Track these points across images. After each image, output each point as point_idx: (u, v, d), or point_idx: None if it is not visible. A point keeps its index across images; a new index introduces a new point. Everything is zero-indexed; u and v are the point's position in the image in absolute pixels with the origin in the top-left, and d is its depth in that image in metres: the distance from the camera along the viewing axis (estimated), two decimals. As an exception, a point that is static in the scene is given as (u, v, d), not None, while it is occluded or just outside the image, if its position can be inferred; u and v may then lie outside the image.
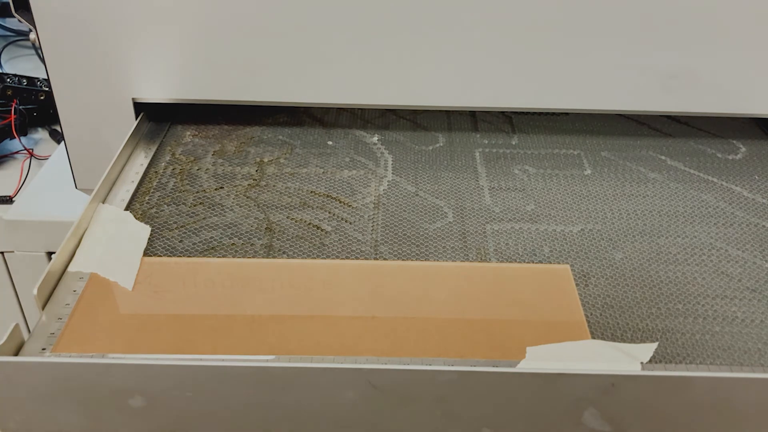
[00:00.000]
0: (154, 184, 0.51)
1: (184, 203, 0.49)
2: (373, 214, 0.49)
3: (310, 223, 0.48)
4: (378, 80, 0.56)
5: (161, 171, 0.53)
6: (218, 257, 0.44)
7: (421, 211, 0.49)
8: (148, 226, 0.46)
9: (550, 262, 0.45)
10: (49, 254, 0.71)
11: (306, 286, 0.42)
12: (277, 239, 0.46)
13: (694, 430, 0.36)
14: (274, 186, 0.51)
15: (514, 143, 0.58)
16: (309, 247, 0.45)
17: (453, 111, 0.63)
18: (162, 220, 0.47)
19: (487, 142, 0.59)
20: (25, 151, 0.81)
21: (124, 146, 0.53)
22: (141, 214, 0.48)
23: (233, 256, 0.44)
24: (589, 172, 0.54)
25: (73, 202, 0.62)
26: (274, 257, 0.44)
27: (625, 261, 0.45)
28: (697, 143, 0.59)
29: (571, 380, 0.33)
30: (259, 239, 0.46)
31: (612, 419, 0.35)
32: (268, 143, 0.57)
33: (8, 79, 0.83)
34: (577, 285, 0.43)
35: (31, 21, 0.53)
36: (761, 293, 0.43)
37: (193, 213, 0.48)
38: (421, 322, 0.39)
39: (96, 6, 0.52)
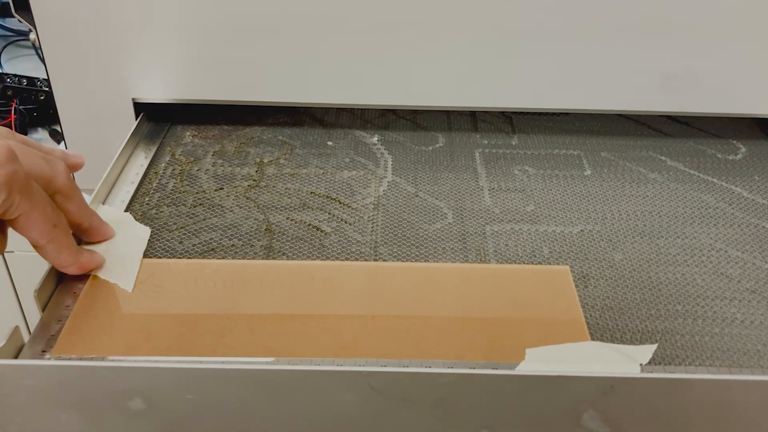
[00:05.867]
0: (154, 184, 0.51)
1: (183, 204, 0.49)
2: (373, 215, 0.49)
3: (309, 224, 0.48)
4: (378, 80, 0.56)
5: (161, 172, 0.53)
6: (218, 258, 0.44)
7: (420, 212, 0.49)
8: (148, 227, 0.46)
9: (550, 263, 0.45)
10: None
11: (306, 287, 0.42)
12: (277, 240, 0.46)
13: (693, 432, 0.36)
14: (273, 187, 0.51)
15: (514, 143, 0.58)
16: (309, 248, 0.45)
17: (453, 111, 0.63)
18: (162, 221, 0.47)
19: (487, 142, 0.59)
20: (26, 151, 0.81)
21: (124, 146, 0.53)
22: (141, 215, 0.48)
23: (233, 258, 0.44)
24: (588, 172, 0.54)
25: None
26: (273, 258, 0.44)
27: (624, 262, 0.45)
28: (697, 143, 0.59)
29: (570, 382, 0.33)
30: (258, 240, 0.46)
31: (611, 421, 0.35)
32: (268, 144, 0.57)
33: (8, 79, 0.83)
34: (576, 286, 0.43)
35: (31, 21, 0.53)
36: (761, 294, 0.43)
37: (192, 214, 0.48)
38: (420, 324, 0.39)
39: (96, 6, 0.52)
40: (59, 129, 0.60)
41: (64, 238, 0.39)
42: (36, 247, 0.39)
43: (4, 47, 0.99)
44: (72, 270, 0.41)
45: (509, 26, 0.53)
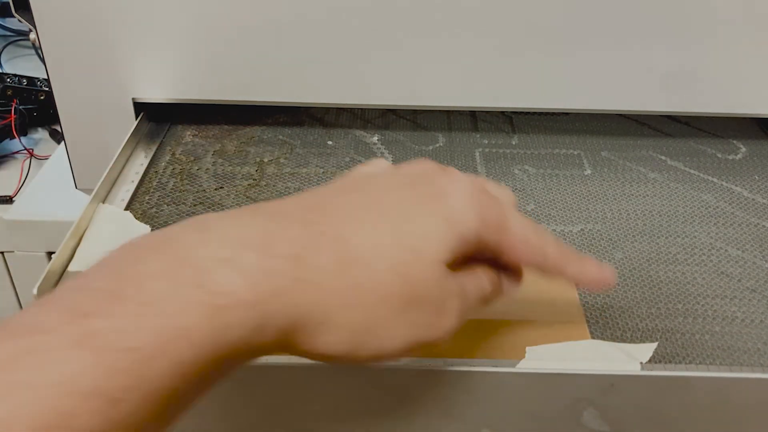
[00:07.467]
0: (154, 183, 0.51)
1: (184, 203, 0.49)
2: (373, 214, 0.49)
3: (309, 223, 0.47)
4: (378, 80, 0.56)
5: (161, 171, 0.53)
6: (218, 257, 0.44)
7: (420, 211, 0.49)
8: (147, 226, 0.46)
9: (550, 262, 0.45)
10: (49, 254, 0.71)
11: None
12: (277, 239, 0.46)
13: (693, 430, 0.36)
14: (274, 186, 0.51)
15: (514, 143, 0.58)
16: (309, 247, 0.45)
17: (453, 111, 0.63)
18: (162, 220, 0.47)
19: (487, 142, 0.59)
20: (25, 151, 0.82)
21: (124, 146, 0.53)
22: (141, 214, 0.48)
23: (233, 256, 0.44)
24: (589, 172, 0.54)
25: (73, 202, 0.62)
26: (273, 257, 0.44)
27: (624, 261, 0.45)
28: (697, 143, 0.59)
29: (570, 380, 0.34)
30: (258, 239, 0.46)
31: (611, 419, 0.35)
32: (268, 143, 0.57)
33: (8, 79, 0.83)
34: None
35: (31, 21, 0.53)
36: (761, 293, 0.43)
37: (192, 213, 0.48)
38: (420, 322, 0.39)
39: (96, 6, 0.52)
40: (59, 129, 0.60)
41: (559, 260, 0.32)
42: None
43: (4, 47, 0.99)
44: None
45: (509, 26, 0.53)
